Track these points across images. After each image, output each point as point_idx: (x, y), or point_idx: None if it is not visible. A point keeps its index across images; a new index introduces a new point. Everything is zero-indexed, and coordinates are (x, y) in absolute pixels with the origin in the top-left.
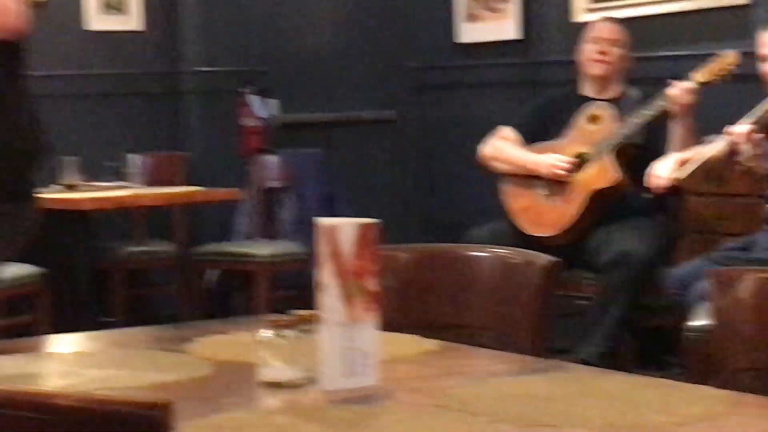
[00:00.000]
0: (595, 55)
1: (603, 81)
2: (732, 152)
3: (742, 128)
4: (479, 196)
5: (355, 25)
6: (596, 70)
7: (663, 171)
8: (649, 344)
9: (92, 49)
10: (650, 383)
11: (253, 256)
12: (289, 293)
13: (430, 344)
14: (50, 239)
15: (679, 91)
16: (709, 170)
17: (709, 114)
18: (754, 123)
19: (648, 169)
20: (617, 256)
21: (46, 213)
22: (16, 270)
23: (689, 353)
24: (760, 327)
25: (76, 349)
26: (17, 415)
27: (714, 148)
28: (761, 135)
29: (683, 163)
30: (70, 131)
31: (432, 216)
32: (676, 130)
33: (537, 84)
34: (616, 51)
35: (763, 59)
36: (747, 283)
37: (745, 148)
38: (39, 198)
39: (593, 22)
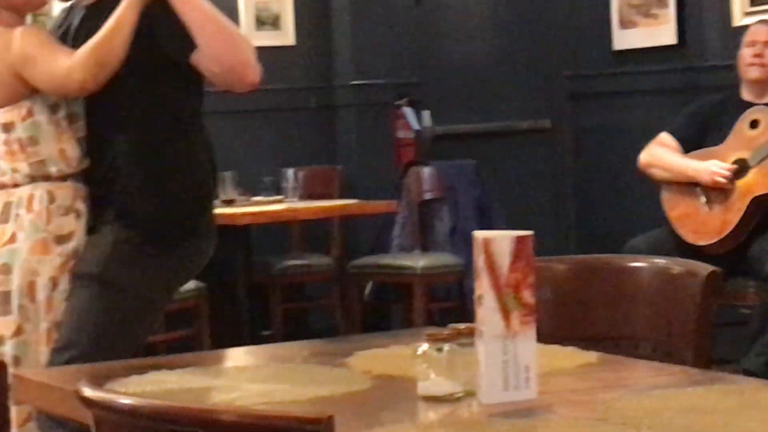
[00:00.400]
0: (751, 59)
1: (761, 84)
2: None
3: None
4: (637, 204)
5: (510, 34)
6: (753, 73)
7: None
8: None
9: None
10: None
11: (409, 268)
12: (446, 304)
13: (589, 356)
14: None
15: None
16: None
17: None
18: None
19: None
20: None
21: None
22: None
23: None
24: None
25: (237, 363)
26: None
27: None
28: None
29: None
30: (227, 147)
31: (589, 226)
32: None
33: (696, 89)
34: None
35: None
36: None
37: None
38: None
39: (749, 26)
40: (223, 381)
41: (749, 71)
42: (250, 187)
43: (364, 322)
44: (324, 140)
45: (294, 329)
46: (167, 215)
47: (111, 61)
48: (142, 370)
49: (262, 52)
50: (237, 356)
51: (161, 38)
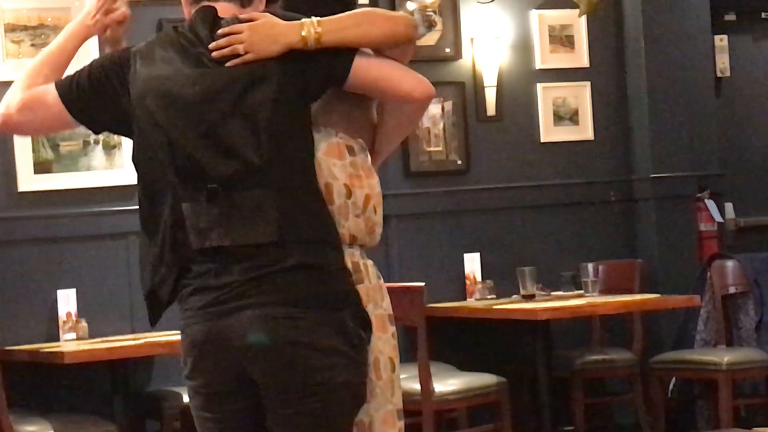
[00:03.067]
0: None
1: None
2: None
3: None
4: None
5: None
6: None
7: None
8: None
9: (547, 160)
10: None
11: (714, 363)
12: (754, 401)
13: None
14: (511, 348)
15: None
16: None
17: None
18: None
19: None
20: None
21: (506, 322)
22: (478, 379)
23: None
24: None
25: None
26: None
27: None
28: None
29: None
30: (527, 241)
31: None
32: None
33: None
34: None
35: None
36: None
37: None
38: None
39: None
40: None
41: None
42: (550, 282)
43: (669, 419)
44: (624, 234)
45: (595, 425)
46: None
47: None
48: None
49: (562, 146)
50: None
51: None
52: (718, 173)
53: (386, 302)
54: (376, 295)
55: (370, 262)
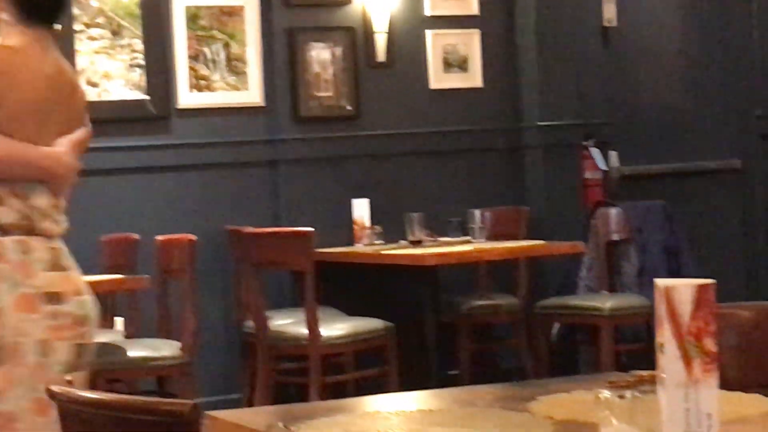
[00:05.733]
0: None
1: None
2: None
3: None
4: None
5: (700, 73)
6: None
7: None
8: None
9: (436, 107)
10: None
11: (597, 309)
12: (634, 346)
13: None
14: (397, 294)
15: None
16: None
17: None
18: None
19: None
20: None
21: (394, 267)
22: (365, 324)
23: None
24: None
25: (422, 406)
26: None
27: None
28: None
29: None
30: (416, 188)
31: None
32: None
33: None
34: None
35: None
36: None
37: None
38: None
39: None
40: (409, 424)
41: None
42: (438, 228)
43: (552, 364)
44: (511, 181)
45: (481, 369)
46: None
47: None
48: (329, 413)
49: (451, 93)
50: (422, 399)
51: None
52: (604, 122)
53: (40, 280)
54: (16, 273)
55: (9, 240)
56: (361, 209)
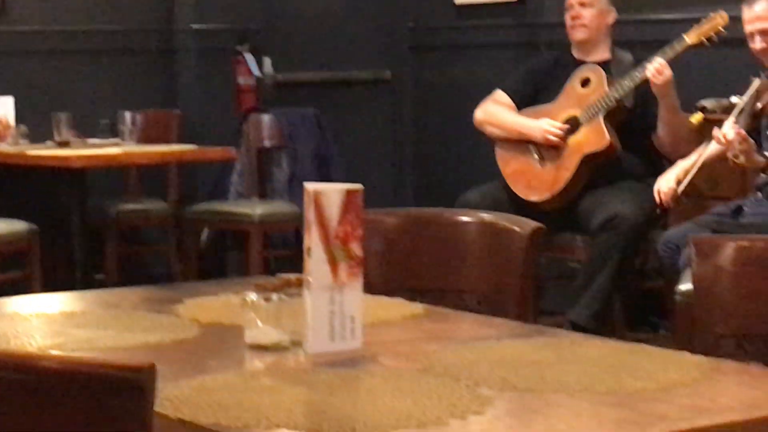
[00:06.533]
0: (571, 22)
1: (586, 44)
2: (724, 153)
3: (729, 132)
4: (474, 159)
5: None
6: (576, 35)
7: (665, 185)
8: (640, 307)
9: (86, 4)
10: (631, 349)
11: (246, 215)
12: (283, 252)
13: (416, 308)
14: (43, 196)
15: (653, 73)
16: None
17: (697, 79)
18: (737, 121)
19: (655, 186)
20: (608, 219)
21: (39, 169)
22: (7, 226)
23: (677, 317)
24: (739, 295)
25: (65, 308)
26: (0, 377)
27: (707, 153)
28: (743, 130)
29: (685, 174)
30: (63, 87)
31: (426, 178)
32: (660, 110)
33: (534, 46)
34: (587, 12)
35: (749, 36)
36: (727, 251)
37: (737, 148)
38: None
39: None
40: (49, 327)
41: (572, 33)
42: (86, 130)
43: (201, 269)
44: (163, 84)
45: (129, 274)
46: None
47: None
48: None
49: None
50: (65, 301)
51: None
52: (259, 28)
53: None
54: None
55: None
56: (5, 107)
